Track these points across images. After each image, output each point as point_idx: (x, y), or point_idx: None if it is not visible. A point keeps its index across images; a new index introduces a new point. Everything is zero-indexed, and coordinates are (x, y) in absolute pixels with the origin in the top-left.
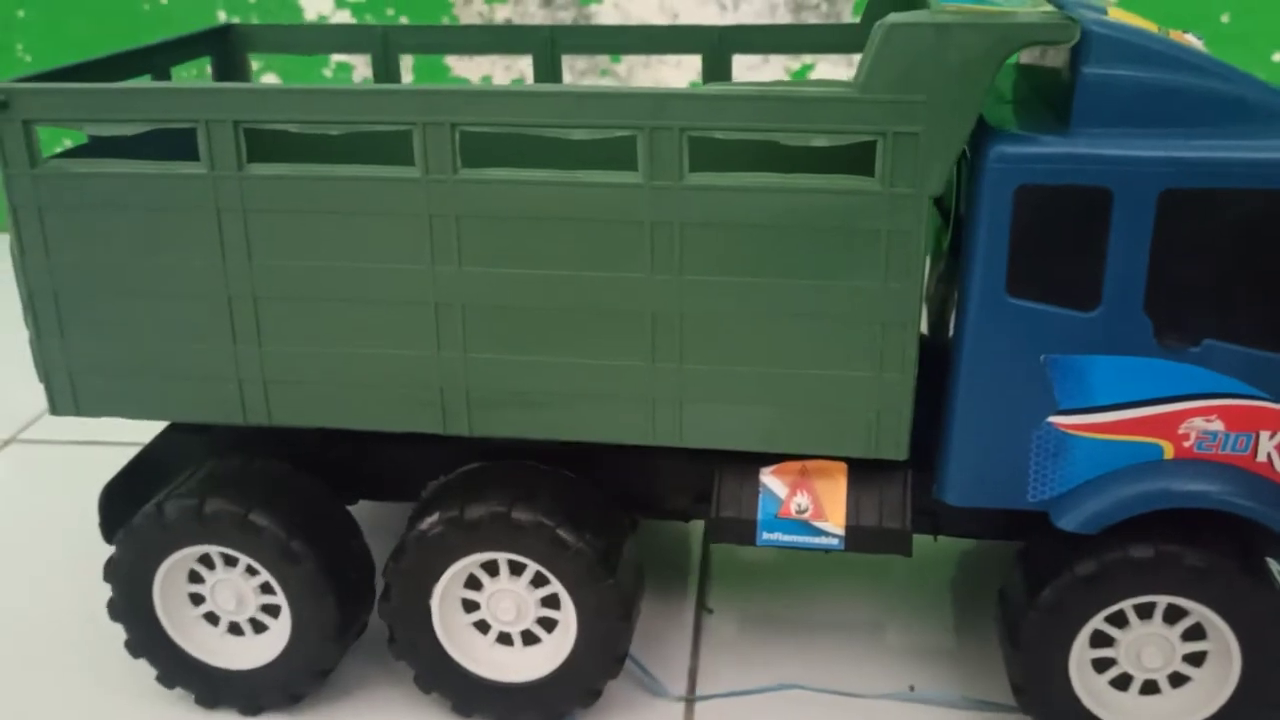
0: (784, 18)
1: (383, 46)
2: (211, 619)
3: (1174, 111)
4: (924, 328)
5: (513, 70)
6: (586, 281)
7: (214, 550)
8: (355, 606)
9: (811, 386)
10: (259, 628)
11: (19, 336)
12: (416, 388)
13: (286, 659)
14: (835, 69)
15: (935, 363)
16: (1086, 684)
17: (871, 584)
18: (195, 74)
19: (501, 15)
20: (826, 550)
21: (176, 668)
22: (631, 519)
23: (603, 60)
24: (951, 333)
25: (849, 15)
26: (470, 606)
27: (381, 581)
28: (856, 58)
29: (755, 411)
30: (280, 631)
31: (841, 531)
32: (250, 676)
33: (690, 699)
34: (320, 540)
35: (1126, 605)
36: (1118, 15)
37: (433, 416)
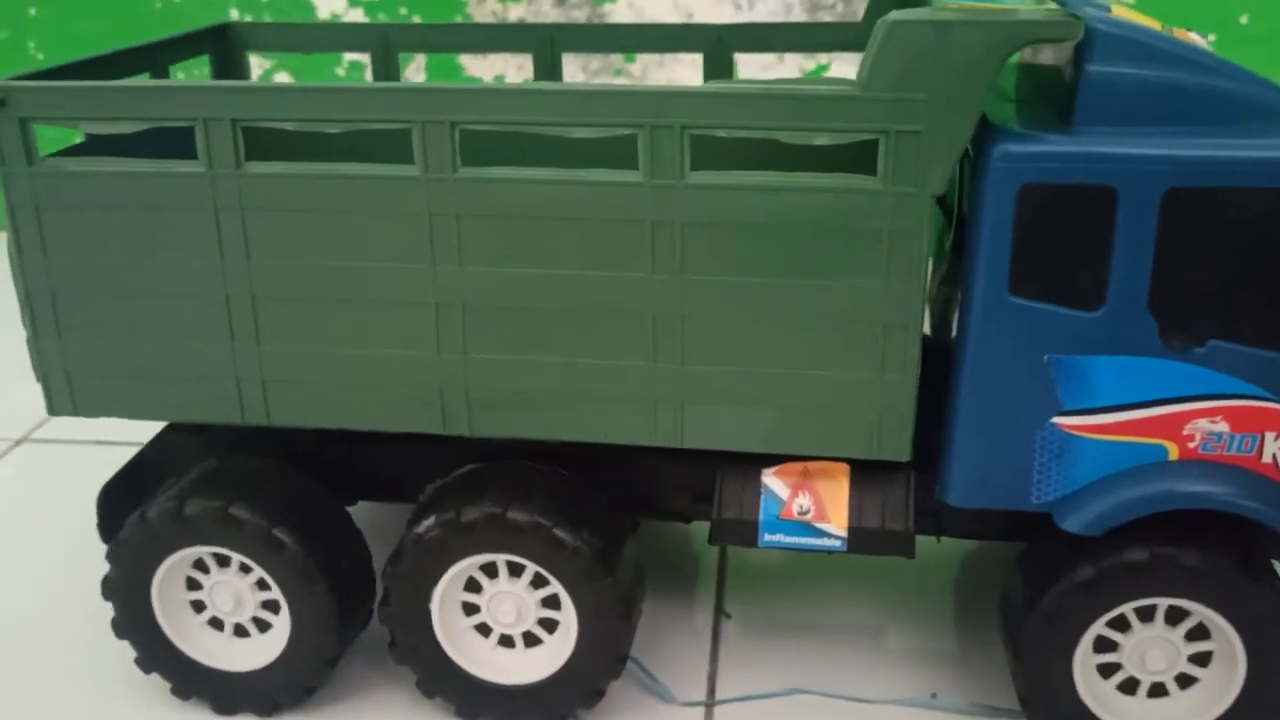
0: (799, 17)
1: (383, 45)
2: (215, 623)
3: (1178, 110)
4: (927, 328)
5: (524, 70)
6: (587, 281)
7: (203, 552)
8: (352, 595)
9: (813, 387)
10: (262, 626)
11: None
12: (416, 388)
13: (291, 653)
14: (850, 69)
15: (938, 363)
16: (1092, 690)
17: (879, 587)
18: (202, 73)
19: (515, 14)
20: (828, 551)
21: (189, 678)
22: (633, 520)
23: (616, 59)
24: (954, 333)
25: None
26: (471, 609)
27: (381, 586)
28: None
29: (756, 412)
30: (282, 627)
31: (844, 533)
32: (260, 676)
33: (710, 703)
34: (307, 529)
35: (1129, 609)
36: (1121, 13)
37: (432, 417)
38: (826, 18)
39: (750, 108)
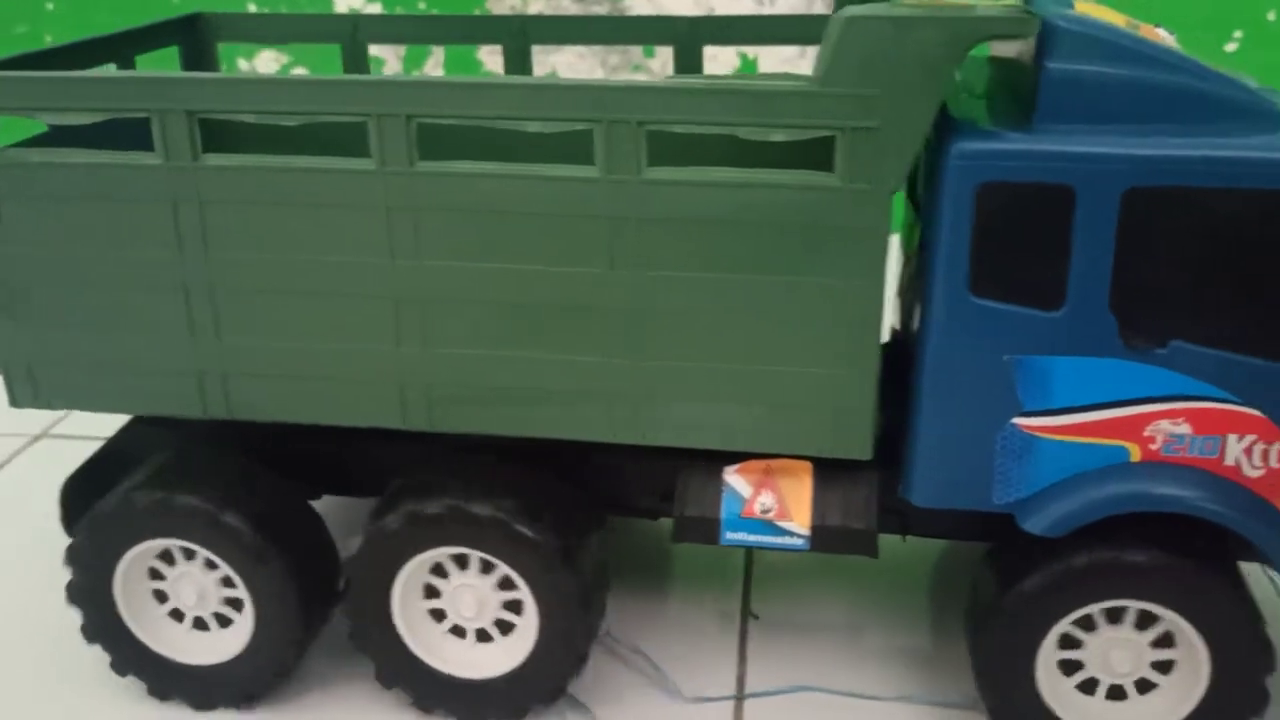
0: (820, 11)
1: (352, 36)
2: (174, 614)
3: (1141, 108)
4: (897, 325)
5: (544, 65)
6: (546, 277)
7: (179, 545)
8: (318, 606)
9: (774, 384)
10: (221, 623)
11: None
12: (376, 383)
13: (246, 657)
14: None
15: (906, 361)
16: (1054, 689)
17: (901, 587)
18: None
19: (535, 8)
20: (791, 550)
21: (131, 656)
22: (600, 517)
23: (635, 54)
24: (916, 331)
25: None
26: (432, 595)
27: (343, 579)
28: None
29: (717, 409)
30: (242, 629)
31: (806, 531)
32: (207, 673)
33: (740, 696)
34: (287, 538)
35: (1094, 609)
36: (1086, 9)
37: (392, 412)
38: None
39: (706, 103)
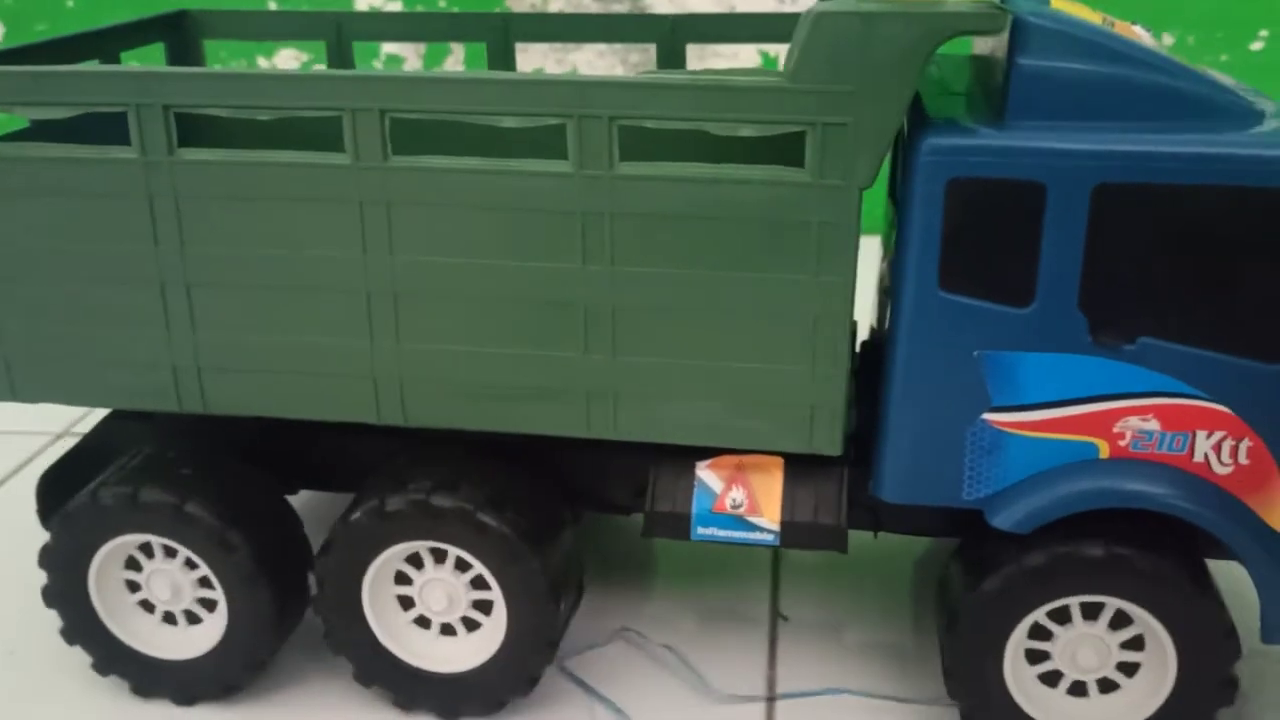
0: None
1: (336, 33)
2: (148, 608)
3: (1112, 105)
4: (874, 320)
5: (564, 64)
6: (519, 272)
7: (150, 539)
8: (292, 597)
9: (745, 380)
10: (195, 618)
11: None
12: (350, 377)
13: (222, 650)
14: None
15: (882, 357)
16: (1022, 685)
17: (922, 588)
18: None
19: (555, 5)
20: (761, 545)
21: (112, 655)
22: (569, 509)
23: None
24: (887, 327)
25: None
26: (403, 597)
27: (314, 578)
28: None
29: (689, 405)
30: (216, 622)
31: (776, 527)
32: (185, 667)
33: (771, 697)
34: (256, 528)
35: (1061, 605)
36: (1060, 6)
37: (367, 406)
38: None
39: (677, 99)
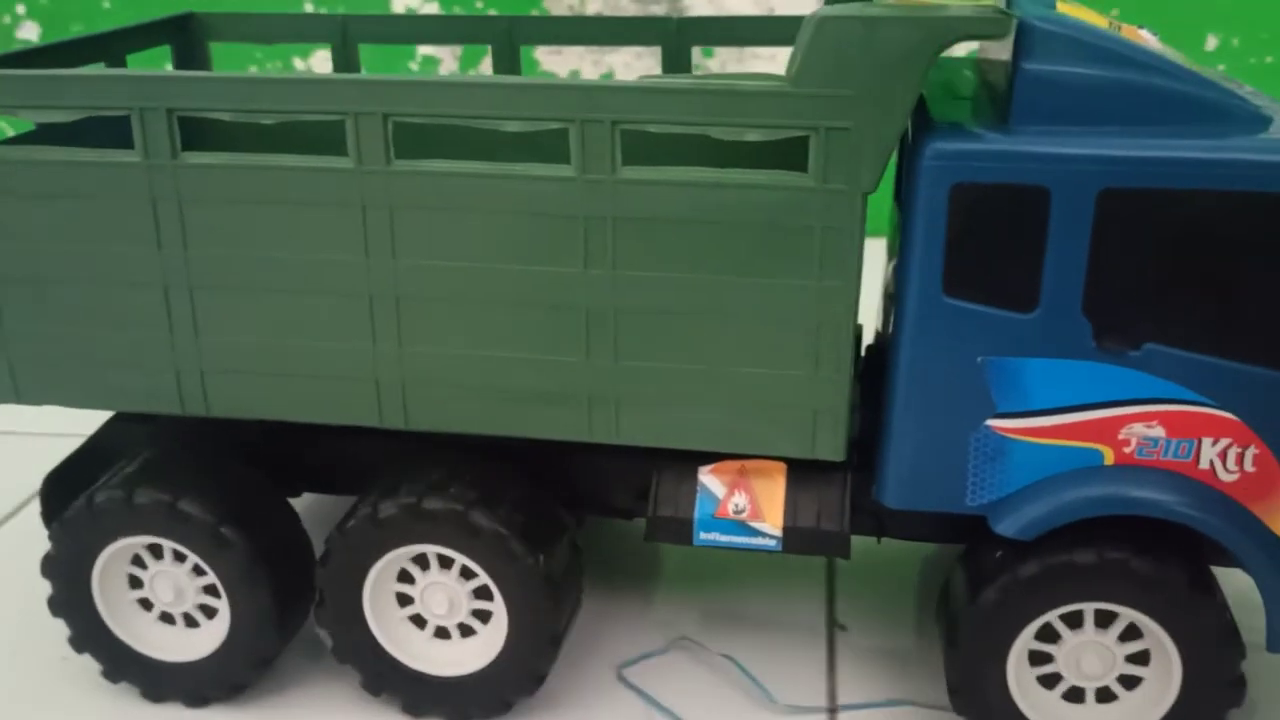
0: None
1: (342, 36)
2: (155, 613)
3: (1118, 109)
4: (879, 325)
5: (601, 65)
6: (522, 276)
7: (148, 541)
8: (293, 593)
9: (748, 385)
10: (198, 619)
11: None
12: (352, 380)
13: (227, 649)
14: None
15: (886, 362)
16: (1026, 693)
17: None
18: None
19: (593, 8)
20: (763, 551)
21: (121, 662)
22: (576, 515)
23: (695, 54)
24: (891, 332)
25: None
26: (405, 602)
27: (316, 592)
28: None
29: (691, 409)
30: (220, 622)
31: (779, 533)
32: (193, 668)
33: (834, 707)
34: (253, 527)
35: (1067, 612)
36: (1067, 9)
37: (369, 410)
38: None
39: (680, 103)
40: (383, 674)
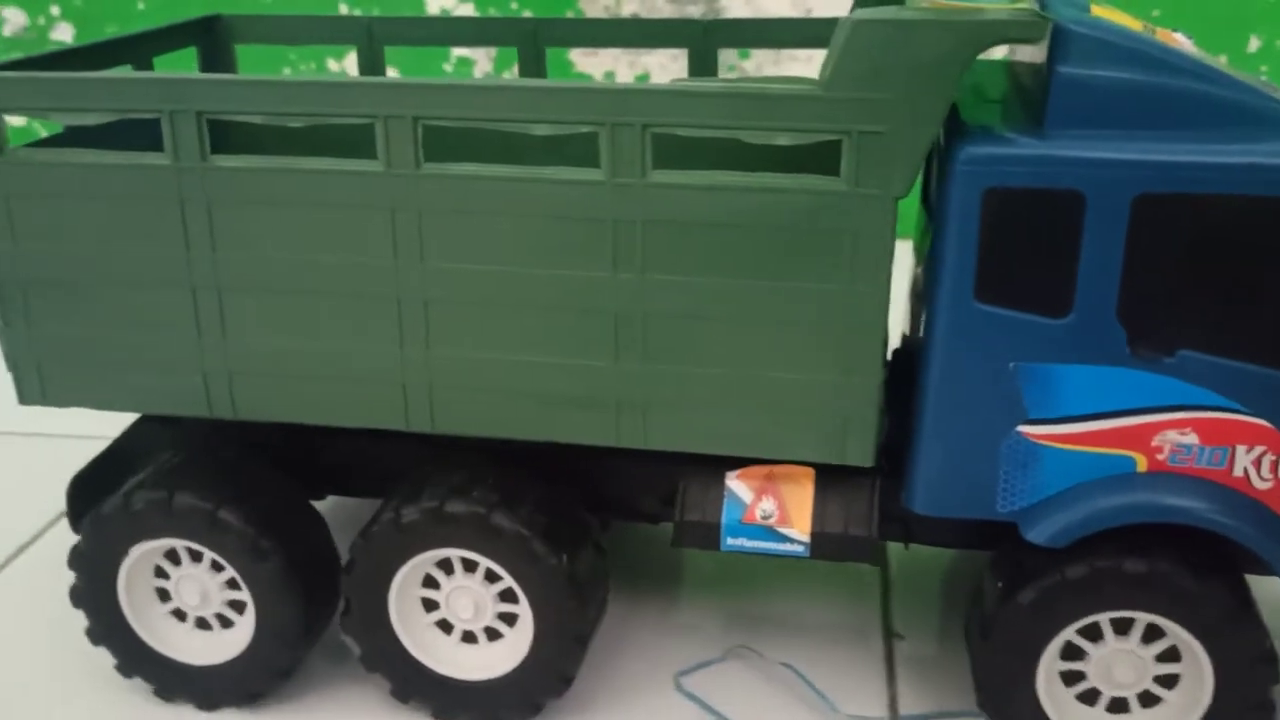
0: None
1: (368, 38)
2: (176, 613)
3: (1153, 113)
4: (907, 330)
5: (637, 66)
6: (550, 279)
7: (181, 544)
8: (319, 605)
9: (777, 390)
10: (223, 624)
11: None
12: (379, 383)
13: (248, 656)
14: None
15: (914, 367)
16: (1056, 702)
17: None
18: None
19: (629, 9)
20: (791, 556)
21: (136, 658)
22: (601, 520)
23: (730, 55)
24: (922, 337)
25: None
26: (431, 608)
27: (341, 600)
28: None
29: (720, 414)
30: (244, 629)
31: (806, 538)
32: (211, 672)
33: (895, 717)
34: (288, 536)
35: (1096, 620)
36: (1101, 12)
37: (395, 413)
38: None
39: (712, 107)
40: (410, 680)
